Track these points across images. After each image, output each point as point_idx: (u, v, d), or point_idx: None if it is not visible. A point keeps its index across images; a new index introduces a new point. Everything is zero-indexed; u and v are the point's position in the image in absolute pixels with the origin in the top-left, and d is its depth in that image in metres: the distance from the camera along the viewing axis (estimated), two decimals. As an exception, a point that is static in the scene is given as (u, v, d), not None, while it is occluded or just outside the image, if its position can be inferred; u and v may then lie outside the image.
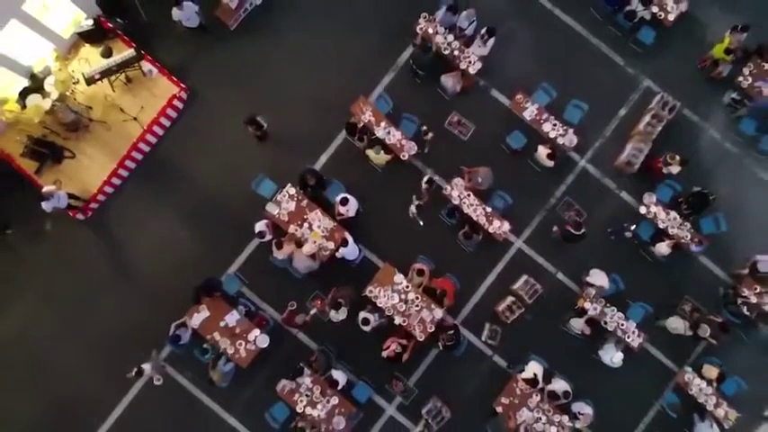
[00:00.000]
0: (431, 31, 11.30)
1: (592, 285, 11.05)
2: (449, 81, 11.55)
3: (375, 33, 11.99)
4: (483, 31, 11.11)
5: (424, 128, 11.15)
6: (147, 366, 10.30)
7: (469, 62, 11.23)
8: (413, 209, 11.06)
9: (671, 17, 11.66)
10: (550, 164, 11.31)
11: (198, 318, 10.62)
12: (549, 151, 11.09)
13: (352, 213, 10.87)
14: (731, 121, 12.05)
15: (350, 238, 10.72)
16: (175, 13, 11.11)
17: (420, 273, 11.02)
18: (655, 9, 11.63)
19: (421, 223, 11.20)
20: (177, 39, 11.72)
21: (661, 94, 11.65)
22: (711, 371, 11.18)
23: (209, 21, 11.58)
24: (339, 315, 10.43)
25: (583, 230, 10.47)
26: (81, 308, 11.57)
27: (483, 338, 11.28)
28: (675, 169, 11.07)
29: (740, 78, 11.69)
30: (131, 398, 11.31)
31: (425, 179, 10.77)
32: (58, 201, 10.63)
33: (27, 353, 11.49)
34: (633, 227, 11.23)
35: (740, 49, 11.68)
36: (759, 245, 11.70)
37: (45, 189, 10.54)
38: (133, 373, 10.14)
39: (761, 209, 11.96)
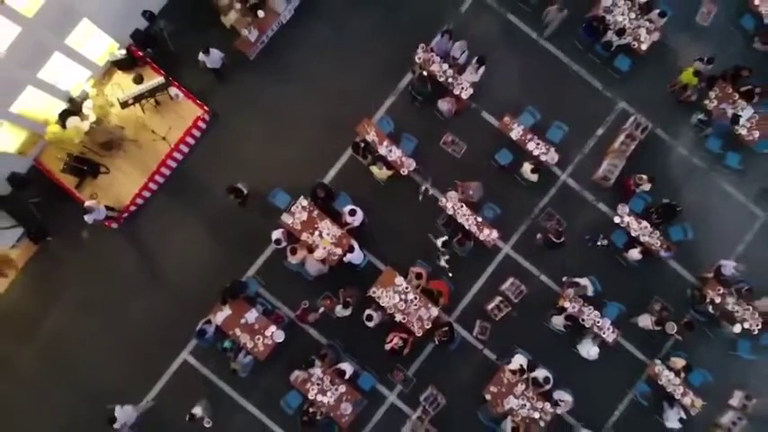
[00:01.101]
0: (428, 59, 12.61)
1: (578, 285, 12.36)
2: (444, 105, 12.78)
3: (378, 62, 13.25)
4: (474, 60, 12.41)
5: (425, 187, 12.48)
6: (198, 410, 11.60)
7: (462, 88, 12.53)
8: (442, 262, 12.38)
9: (644, 46, 12.96)
10: (534, 178, 12.58)
11: (221, 315, 11.92)
12: (533, 166, 12.38)
13: (357, 223, 12.12)
14: (698, 139, 13.33)
15: (356, 245, 11.96)
16: (201, 57, 12.40)
17: (418, 276, 12.27)
18: (630, 39, 12.93)
19: (450, 275, 12.54)
20: (199, 68, 12.98)
21: (634, 115, 12.97)
22: (678, 363, 12.48)
23: (230, 51, 12.85)
24: (345, 312, 11.72)
25: (562, 239, 11.79)
26: (113, 308, 12.83)
27: (474, 334, 12.56)
28: (647, 187, 12.37)
29: (706, 101, 12.99)
30: (160, 387, 12.62)
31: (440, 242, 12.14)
32: (98, 214, 11.92)
33: (65, 348, 12.76)
34: (604, 239, 12.57)
35: (706, 75, 13.01)
36: (723, 251, 13.01)
37: (87, 204, 11.82)
38: (187, 419, 11.43)
39: (725, 218, 13.22)
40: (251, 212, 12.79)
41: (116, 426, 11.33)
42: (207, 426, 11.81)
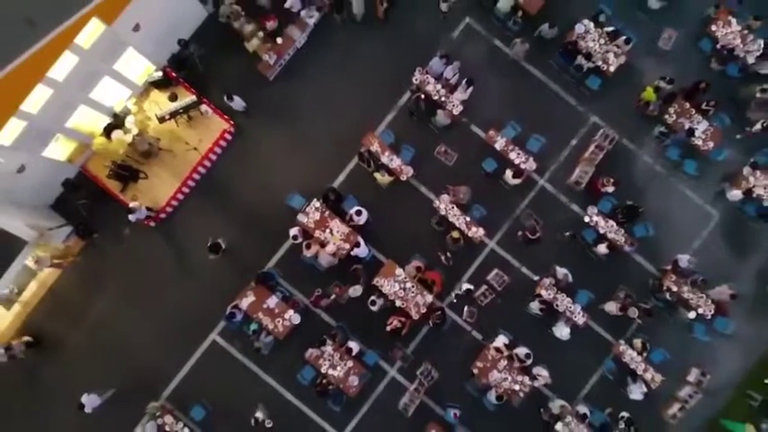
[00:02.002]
0: (423, 80, 14.52)
1: (555, 276, 14.28)
2: (441, 114, 14.67)
3: (380, 82, 15.08)
4: (464, 81, 14.32)
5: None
6: (259, 413, 13.45)
7: (453, 105, 14.45)
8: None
9: (612, 68, 14.82)
10: (517, 182, 14.50)
11: (246, 301, 13.88)
12: (514, 172, 14.25)
13: (363, 222, 14.05)
14: (660, 149, 15.18)
15: (362, 241, 13.90)
16: (226, 101, 14.34)
17: (417, 269, 14.23)
18: (599, 62, 14.82)
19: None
20: (225, 87, 14.83)
21: (603, 128, 14.86)
22: (639, 343, 14.36)
23: (253, 75, 14.79)
24: (357, 292, 13.70)
25: (538, 235, 13.73)
26: (151, 295, 14.70)
27: (463, 317, 14.47)
28: (611, 189, 14.28)
29: (666, 116, 14.86)
30: (191, 364, 14.54)
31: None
32: (140, 214, 13.87)
33: (109, 329, 14.63)
34: (571, 233, 14.55)
35: (666, 92, 14.88)
36: (680, 246, 14.89)
37: (132, 205, 13.78)
38: (252, 423, 13.30)
39: (683, 218, 15.10)
40: (270, 213, 14.65)
41: (86, 410, 13.32)
42: (268, 426, 13.40)
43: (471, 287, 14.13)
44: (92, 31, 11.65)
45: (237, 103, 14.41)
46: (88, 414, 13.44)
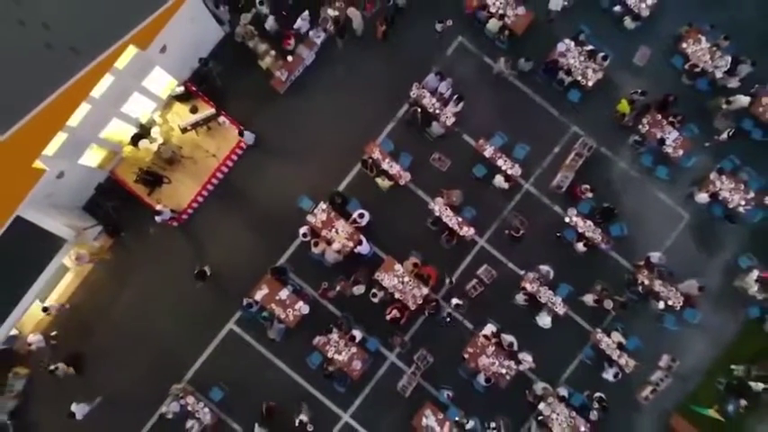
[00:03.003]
0: (420, 94, 16.06)
1: (539, 271, 15.82)
2: (436, 125, 16.21)
3: (380, 95, 16.62)
4: (456, 96, 15.86)
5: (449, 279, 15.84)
6: (303, 416, 14.81)
7: (447, 117, 15.99)
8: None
9: (590, 83, 16.33)
10: (506, 186, 16.03)
11: (260, 293, 15.43)
12: (504, 177, 15.79)
13: (365, 222, 15.57)
14: (634, 156, 16.69)
15: (364, 239, 15.42)
16: (238, 136, 15.98)
17: (414, 264, 15.75)
18: (580, 77, 16.33)
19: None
20: (241, 101, 16.47)
21: (582, 137, 16.38)
22: (617, 336, 15.81)
23: (265, 89, 16.35)
24: (360, 289, 15.27)
25: (521, 233, 15.29)
26: (173, 288, 16.23)
27: (456, 308, 15.99)
28: (589, 195, 15.80)
29: (640, 126, 16.36)
30: (210, 350, 16.10)
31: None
32: (165, 215, 15.49)
33: (135, 318, 16.19)
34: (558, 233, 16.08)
35: (640, 104, 16.39)
36: (652, 244, 16.41)
37: (158, 207, 15.40)
38: (296, 424, 14.66)
39: (655, 219, 16.60)
40: (282, 214, 16.20)
41: (77, 417, 14.86)
42: (309, 430, 14.73)
43: (461, 303, 15.55)
44: (126, 55, 13.18)
45: (248, 137, 16.01)
46: (118, 395, 15.07)
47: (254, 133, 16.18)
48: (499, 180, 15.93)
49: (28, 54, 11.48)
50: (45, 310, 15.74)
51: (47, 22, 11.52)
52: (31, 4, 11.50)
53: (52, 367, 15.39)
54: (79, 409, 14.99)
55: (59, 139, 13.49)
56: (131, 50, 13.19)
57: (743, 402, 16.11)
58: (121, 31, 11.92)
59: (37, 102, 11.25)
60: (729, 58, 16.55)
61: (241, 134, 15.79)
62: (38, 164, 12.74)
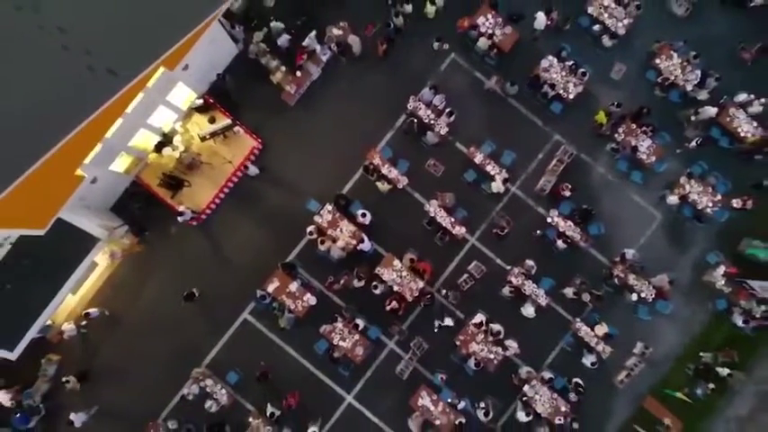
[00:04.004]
0: (416, 106, 17.72)
1: (524, 266, 17.45)
2: (431, 134, 17.87)
3: (380, 107, 18.27)
4: (446, 111, 17.48)
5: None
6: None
7: (440, 127, 17.62)
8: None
9: (571, 96, 17.94)
10: (503, 189, 17.52)
11: (272, 286, 17.09)
12: (502, 181, 17.40)
13: (367, 222, 17.23)
14: (611, 162, 18.31)
15: (366, 238, 17.07)
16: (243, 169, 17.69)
17: (411, 260, 17.41)
18: (561, 90, 17.95)
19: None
20: (254, 112, 18.12)
21: (564, 145, 18.01)
22: (600, 328, 17.35)
23: (276, 101, 18.01)
24: (360, 283, 16.93)
25: (506, 232, 16.95)
26: (192, 281, 17.80)
27: (449, 300, 17.62)
28: (568, 193, 17.43)
29: (617, 135, 17.98)
30: (227, 338, 17.74)
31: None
32: (187, 216, 17.16)
33: (158, 309, 17.79)
34: (539, 231, 17.68)
35: (616, 115, 18.02)
36: (627, 242, 18.03)
37: (181, 209, 17.08)
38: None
39: (630, 219, 18.23)
40: (291, 214, 17.83)
41: (76, 425, 16.55)
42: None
43: (451, 323, 17.06)
44: (156, 74, 14.82)
45: (252, 170, 17.72)
46: (143, 378, 16.86)
47: (258, 170, 18.00)
48: (497, 185, 17.48)
49: (72, 76, 13.12)
50: (87, 315, 17.46)
51: (89, 48, 13.17)
52: (74, 33, 13.12)
53: (64, 379, 17.08)
54: (77, 418, 16.67)
55: (95, 149, 15.15)
56: (160, 71, 14.85)
57: (710, 386, 17.65)
58: (155, 55, 13.55)
59: (82, 118, 12.89)
60: (699, 73, 18.13)
61: (246, 168, 17.53)
62: (79, 171, 14.41)
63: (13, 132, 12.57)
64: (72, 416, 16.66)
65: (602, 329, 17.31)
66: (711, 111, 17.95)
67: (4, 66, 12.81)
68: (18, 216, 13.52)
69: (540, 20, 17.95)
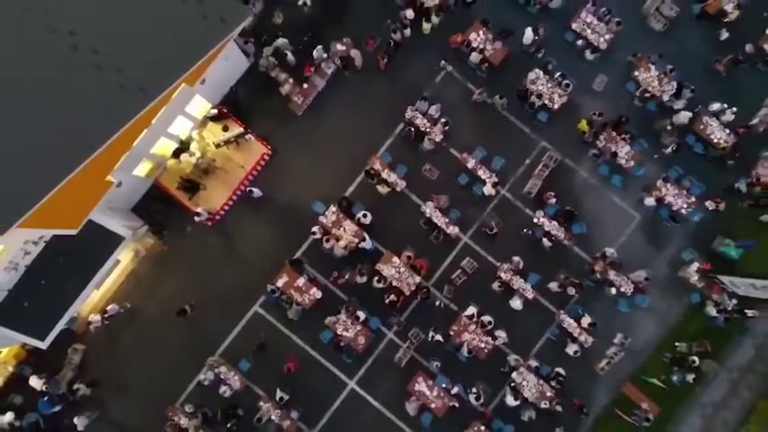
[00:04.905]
0: (413, 116, 19.24)
1: (512, 263, 18.96)
2: (427, 141, 19.41)
3: (381, 116, 19.77)
4: (441, 121, 19.01)
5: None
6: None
7: (435, 134, 19.14)
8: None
9: (556, 106, 19.43)
10: (493, 192, 19.04)
11: (281, 281, 18.61)
12: (492, 185, 18.90)
13: (368, 222, 18.72)
14: (594, 166, 19.79)
15: (367, 237, 18.58)
16: (246, 191, 19.20)
17: (408, 257, 18.93)
18: (547, 101, 19.45)
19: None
20: (264, 121, 19.65)
21: (549, 151, 19.51)
22: (586, 323, 18.86)
23: (285, 111, 19.55)
24: (362, 279, 18.47)
25: (495, 231, 18.49)
26: (207, 276, 19.35)
27: (443, 293, 19.17)
28: (553, 200, 18.95)
29: (598, 142, 19.47)
30: (239, 328, 19.26)
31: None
32: (203, 217, 18.72)
33: (175, 302, 19.05)
34: (530, 230, 19.18)
35: (598, 123, 19.51)
36: (607, 241, 19.50)
37: (198, 210, 18.64)
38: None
39: (611, 219, 19.69)
40: (298, 215, 19.32)
41: (79, 429, 17.98)
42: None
43: (441, 339, 18.47)
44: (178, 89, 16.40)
45: (256, 193, 19.19)
46: (162, 366, 18.42)
47: (261, 192, 19.45)
48: (488, 189, 18.97)
49: (105, 93, 14.67)
50: (104, 312, 19.04)
51: (119, 67, 14.74)
52: (106, 53, 14.68)
53: (75, 387, 18.55)
54: (80, 422, 18.04)
55: (122, 156, 16.70)
56: (182, 86, 16.40)
57: (691, 377, 19.00)
58: (178, 73, 15.11)
59: (114, 131, 14.44)
60: (675, 84, 19.60)
61: (250, 192, 19.01)
62: (109, 177, 15.98)
63: (54, 144, 14.11)
64: (75, 419, 18.00)
65: (586, 320, 18.77)
66: (685, 115, 19.39)
67: (44, 85, 14.36)
68: (55, 217, 15.07)
69: (528, 35, 19.44)
